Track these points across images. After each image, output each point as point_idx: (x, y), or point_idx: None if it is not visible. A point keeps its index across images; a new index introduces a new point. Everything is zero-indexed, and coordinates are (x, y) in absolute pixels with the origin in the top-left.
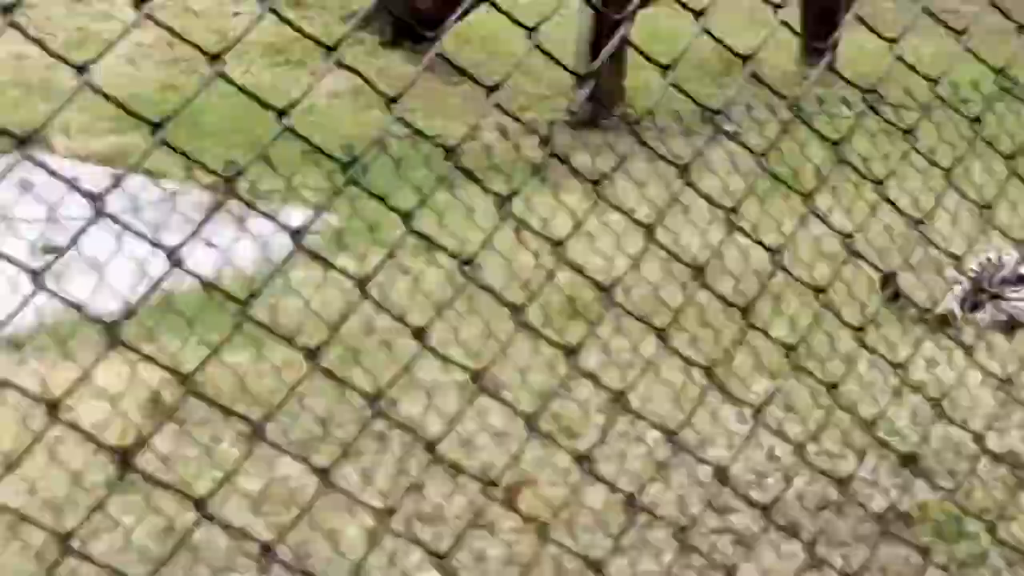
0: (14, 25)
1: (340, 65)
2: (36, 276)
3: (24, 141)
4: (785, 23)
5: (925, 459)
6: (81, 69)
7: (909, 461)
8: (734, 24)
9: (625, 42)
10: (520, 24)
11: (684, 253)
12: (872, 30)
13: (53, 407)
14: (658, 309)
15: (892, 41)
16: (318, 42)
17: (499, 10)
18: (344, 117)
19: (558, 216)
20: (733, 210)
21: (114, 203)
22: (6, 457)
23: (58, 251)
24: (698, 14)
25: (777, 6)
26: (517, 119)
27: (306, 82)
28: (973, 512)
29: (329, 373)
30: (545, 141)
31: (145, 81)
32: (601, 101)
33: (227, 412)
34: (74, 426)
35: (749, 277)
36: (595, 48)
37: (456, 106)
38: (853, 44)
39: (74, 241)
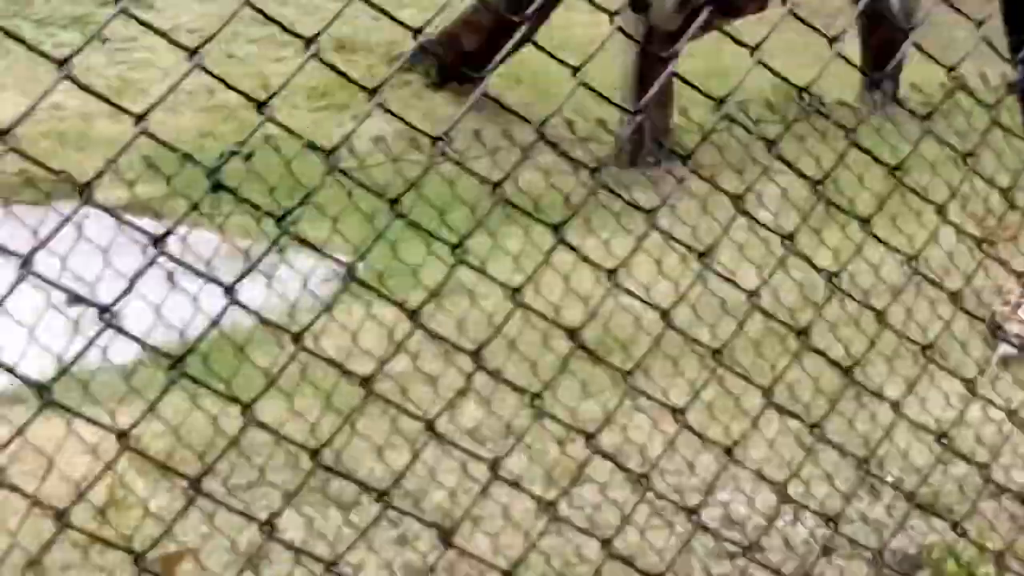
0: (70, 78)
1: (384, 108)
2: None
3: (83, 189)
4: (843, 56)
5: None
6: (140, 118)
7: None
8: (796, 63)
9: (673, 78)
10: (564, 63)
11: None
12: (931, 57)
13: None
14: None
15: (951, 69)
16: (361, 86)
17: (541, 49)
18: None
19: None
20: (790, 237)
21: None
22: None
23: (83, 301)
24: (753, 48)
25: (833, 39)
26: (566, 155)
27: (349, 126)
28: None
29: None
30: (595, 170)
31: (185, 129)
32: (647, 139)
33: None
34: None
35: (805, 306)
36: (640, 86)
37: (504, 146)
38: (918, 72)
39: (131, 284)
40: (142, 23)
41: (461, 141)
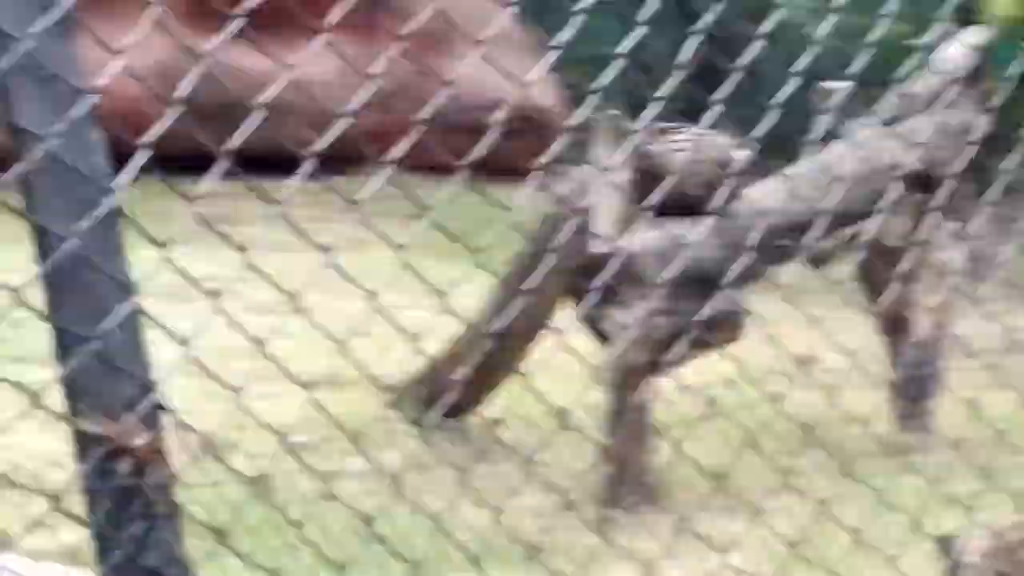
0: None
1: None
2: None
3: None
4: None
5: None
6: None
7: None
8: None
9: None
10: (550, 404)
11: None
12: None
13: None
14: None
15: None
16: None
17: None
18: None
19: None
20: None
21: None
22: None
23: None
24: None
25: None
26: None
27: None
28: None
29: None
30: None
31: None
32: (624, 481)
33: None
34: None
35: None
36: (614, 422)
37: (484, 488)
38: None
39: None
40: None
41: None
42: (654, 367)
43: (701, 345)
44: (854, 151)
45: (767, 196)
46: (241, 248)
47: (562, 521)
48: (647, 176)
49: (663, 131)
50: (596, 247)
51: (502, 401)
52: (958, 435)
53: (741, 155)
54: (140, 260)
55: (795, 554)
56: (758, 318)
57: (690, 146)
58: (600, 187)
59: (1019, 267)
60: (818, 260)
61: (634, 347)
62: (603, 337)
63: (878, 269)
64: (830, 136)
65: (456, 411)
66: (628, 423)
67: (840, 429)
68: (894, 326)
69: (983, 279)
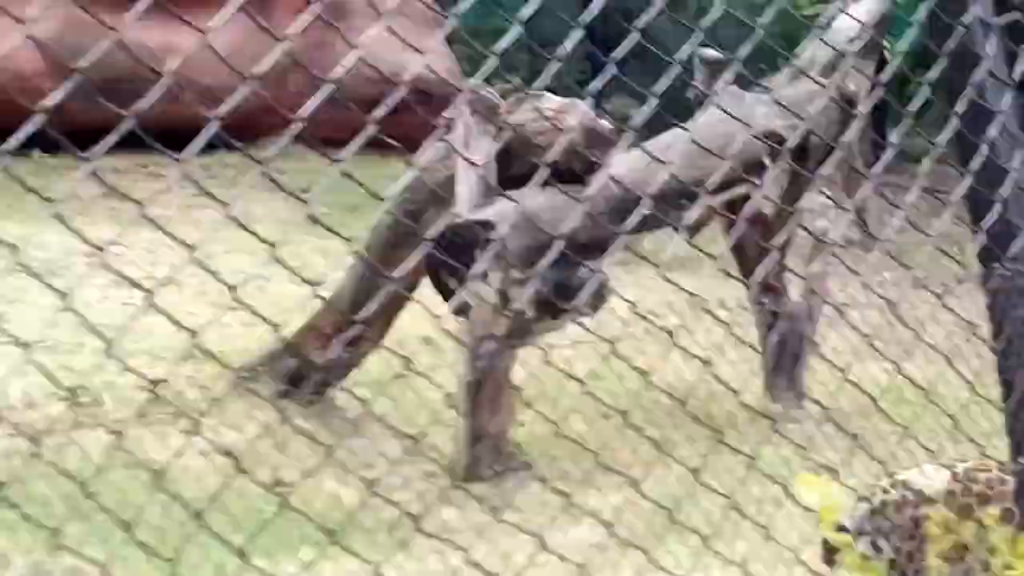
0: None
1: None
2: None
3: None
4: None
5: None
6: None
7: None
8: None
9: (508, 383)
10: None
11: None
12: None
13: None
14: None
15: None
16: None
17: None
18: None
19: None
20: None
21: None
22: None
23: None
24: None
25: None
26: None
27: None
28: None
29: None
30: None
31: None
32: (483, 450)
33: None
34: None
35: None
36: (473, 393)
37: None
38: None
39: None
40: None
41: (298, 452)
42: (514, 337)
43: (564, 315)
44: (727, 119)
45: (633, 165)
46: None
47: (424, 494)
48: (510, 145)
49: (527, 100)
50: (457, 216)
51: (365, 375)
52: (830, 404)
53: (605, 124)
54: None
55: (669, 521)
56: (623, 288)
57: (553, 115)
58: (463, 156)
59: (906, 239)
60: (689, 229)
61: (492, 317)
62: (462, 309)
63: (752, 238)
64: (708, 104)
65: (319, 385)
66: (487, 393)
67: (712, 400)
68: (767, 295)
69: (869, 249)
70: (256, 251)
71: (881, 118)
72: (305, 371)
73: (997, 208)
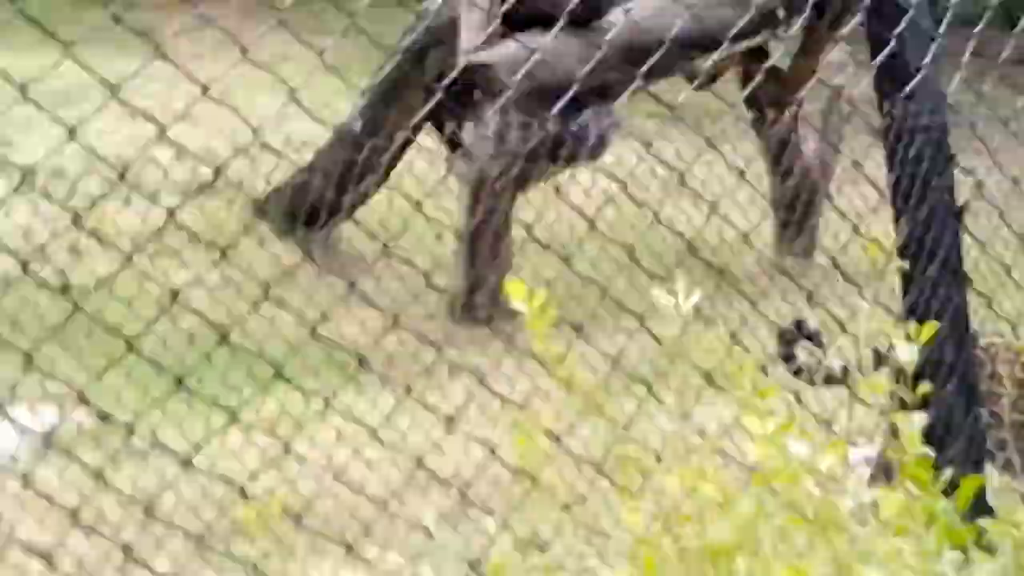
0: None
1: None
2: None
3: None
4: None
5: None
6: None
7: None
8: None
9: (508, 230)
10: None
11: None
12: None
13: None
14: None
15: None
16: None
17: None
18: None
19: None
20: None
21: None
22: None
23: None
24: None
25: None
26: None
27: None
28: None
29: None
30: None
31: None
32: (479, 294)
33: None
34: None
35: None
36: (472, 238)
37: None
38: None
39: None
40: None
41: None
42: (515, 181)
43: (566, 160)
44: None
45: (646, 10)
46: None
47: (409, 334)
48: None
49: None
50: (459, 58)
51: (369, 213)
52: (843, 259)
53: None
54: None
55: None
56: (635, 136)
57: None
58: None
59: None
60: (704, 80)
61: (491, 160)
62: (462, 151)
63: (767, 91)
64: None
65: (322, 221)
66: (486, 238)
67: (722, 249)
68: (781, 148)
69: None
70: (277, 91)
71: None
72: (312, 208)
73: (892, 45)
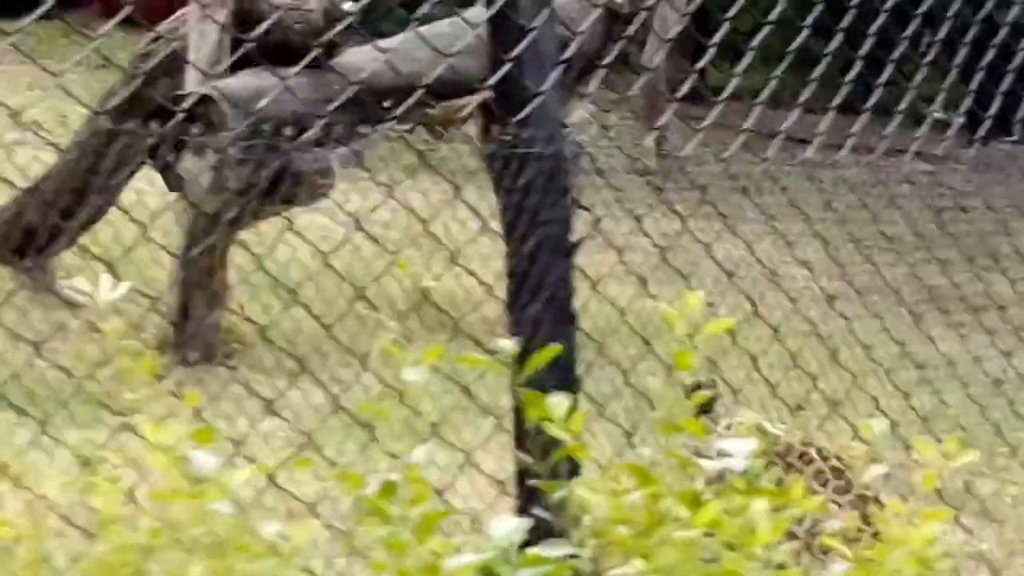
0: None
1: None
2: None
3: None
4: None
5: None
6: None
7: None
8: None
9: (224, 270)
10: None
11: None
12: None
13: None
14: None
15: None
16: None
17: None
18: None
19: None
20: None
21: None
22: None
23: None
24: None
25: None
26: None
27: None
28: None
29: None
30: None
31: None
32: (192, 334)
33: None
34: None
35: None
36: (184, 272)
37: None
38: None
39: None
40: None
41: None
42: (231, 219)
43: (285, 200)
44: (462, 26)
45: (365, 59)
46: None
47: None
48: (247, 19)
49: None
50: (183, 87)
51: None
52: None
53: (348, 7)
54: None
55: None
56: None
57: None
58: (196, 26)
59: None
60: (432, 128)
61: (207, 196)
62: (179, 185)
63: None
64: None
65: (41, 247)
66: (198, 275)
67: (456, 299)
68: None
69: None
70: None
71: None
72: (26, 238)
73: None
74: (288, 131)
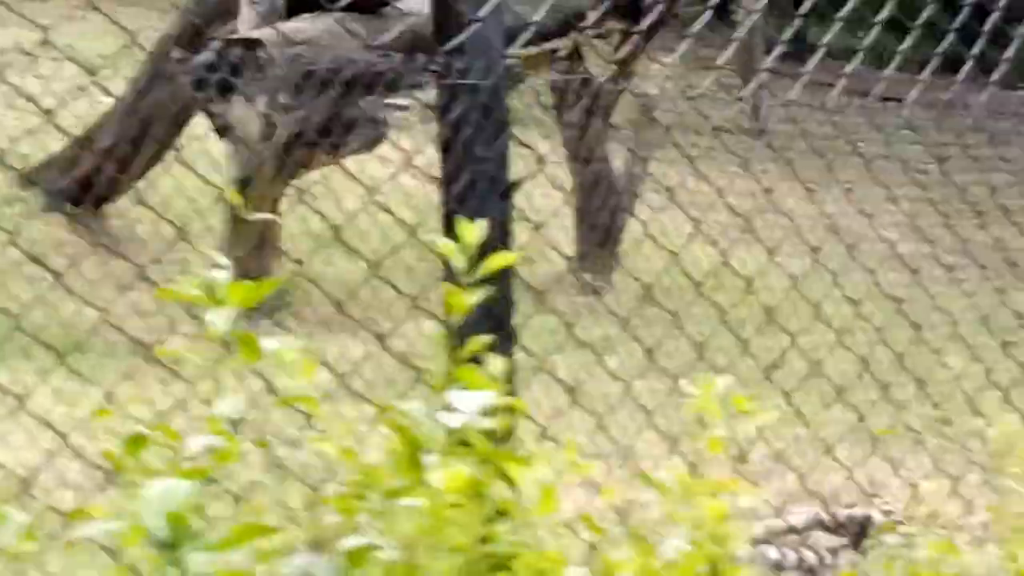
0: None
1: None
2: None
3: None
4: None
5: None
6: None
7: None
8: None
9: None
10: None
11: None
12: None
13: None
14: None
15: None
16: None
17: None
18: None
19: None
20: None
21: None
22: None
23: None
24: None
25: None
26: None
27: None
28: None
29: None
30: None
31: None
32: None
33: None
34: None
35: None
36: (235, 223)
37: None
38: None
39: None
40: None
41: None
42: (282, 168)
43: (335, 149)
44: None
45: (420, 3)
46: None
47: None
48: None
49: None
50: (231, 34)
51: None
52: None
53: None
54: None
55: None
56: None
57: None
58: None
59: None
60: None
61: (257, 143)
62: (229, 133)
63: (575, 100)
64: None
65: (96, 198)
66: (251, 228)
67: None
68: (585, 159)
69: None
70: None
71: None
72: (84, 184)
73: None
74: (341, 77)
